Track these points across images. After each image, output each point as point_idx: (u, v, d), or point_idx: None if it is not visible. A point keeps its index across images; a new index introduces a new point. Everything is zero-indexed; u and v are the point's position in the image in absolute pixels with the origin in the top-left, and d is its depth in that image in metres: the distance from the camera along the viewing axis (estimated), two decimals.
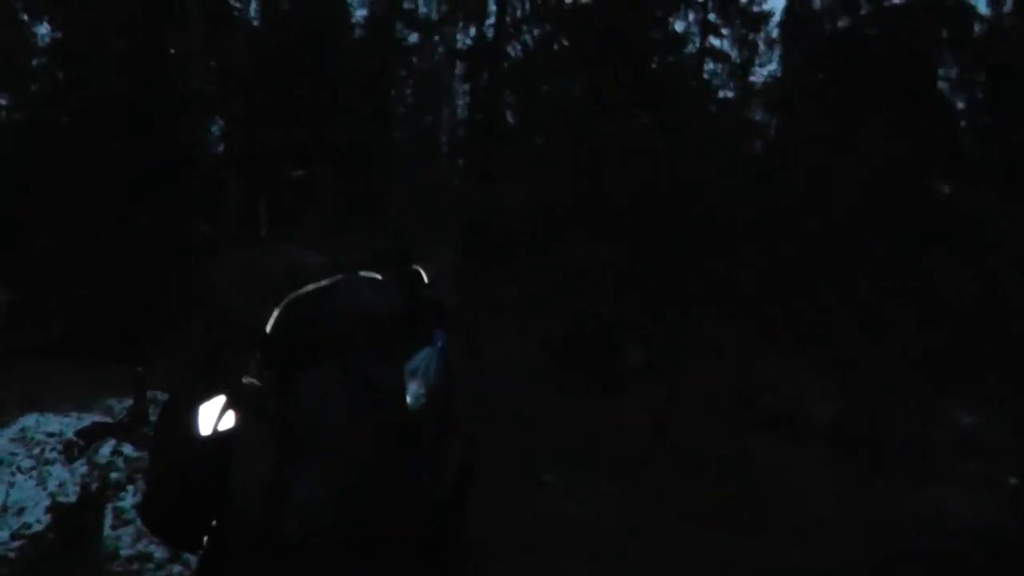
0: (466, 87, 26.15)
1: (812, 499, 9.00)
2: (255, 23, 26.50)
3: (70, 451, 9.73)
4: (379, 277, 1.91)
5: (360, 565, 1.61)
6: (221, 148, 22.03)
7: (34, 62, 22.92)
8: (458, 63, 25.95)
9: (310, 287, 1.80)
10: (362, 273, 1.91)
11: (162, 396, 14.79)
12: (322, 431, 1.65)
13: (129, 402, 12.03)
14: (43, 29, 23.70)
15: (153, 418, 11.45)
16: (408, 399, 1.71)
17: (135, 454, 9.51)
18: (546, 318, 10.82)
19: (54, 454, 9.65)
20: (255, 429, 1.67)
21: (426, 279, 2.07)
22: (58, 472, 9.21)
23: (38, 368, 15.91)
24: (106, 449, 9.70)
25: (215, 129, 23.10)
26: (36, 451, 9.72)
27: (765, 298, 11.40)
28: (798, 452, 10.80)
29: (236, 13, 25.20)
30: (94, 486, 8.71)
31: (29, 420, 10.88)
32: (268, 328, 1.77)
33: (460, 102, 28.32)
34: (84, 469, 9.33)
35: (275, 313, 1.78)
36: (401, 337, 1.78)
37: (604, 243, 12.06)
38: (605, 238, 12.23)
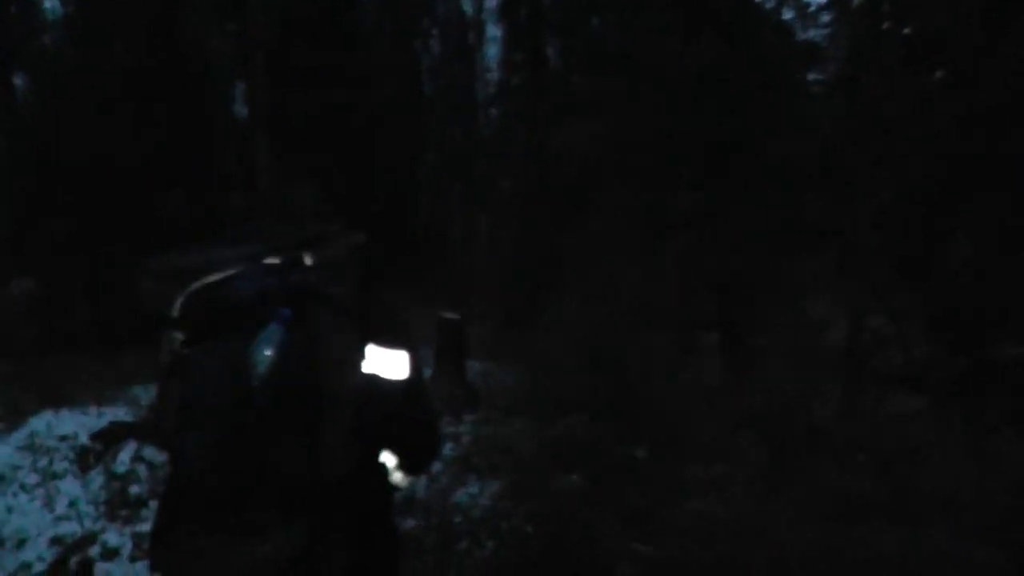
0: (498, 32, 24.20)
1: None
2: None
3: (84, 459, 8.18)
4: (277, 262, 2.08)
5: (240, 511, 1.89)
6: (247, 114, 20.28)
7: (46, 39, 21.52)
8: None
9: (209, 278, 2.05)
10: (265, 261, 2.08)
11: None
12: (198, 399, 1.98)
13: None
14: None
15: None
16: (255, 369, 1.88)
17: (160, 458, 7.95)
18: (640, 277, 8.99)
19: (65, 464, 8.10)
20: (168, 398, 2.08)
21: (308, 262, 2.12)
22: (69, 487, 7.64)
23: (62, 359, 14.50)
24: (125, 454, 8.13)
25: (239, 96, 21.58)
26: (44, 462, 8.18)
27: (885, 244, 9.45)
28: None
29: None
30: (107, 505, 7.13)
31: (41, 422, 9.37)
32: (174, 314, 2.05)
33: (492, 51, 26.36)
34: (100, 480, 7.77)
35: (177, 301, 2.06)
36: (260, 317, 1.93)
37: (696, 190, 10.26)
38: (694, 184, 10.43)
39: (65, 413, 9.97)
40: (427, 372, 10.48)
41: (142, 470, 7.83)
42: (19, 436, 8.94)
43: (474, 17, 26.06)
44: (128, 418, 9.42)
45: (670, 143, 10.66)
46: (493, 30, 26.22)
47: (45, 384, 12.55)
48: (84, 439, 8.62)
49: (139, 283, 2.24)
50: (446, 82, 27.05)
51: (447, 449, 8.73)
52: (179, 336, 2.08)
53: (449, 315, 11.53)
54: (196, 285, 2.08)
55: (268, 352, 1.92)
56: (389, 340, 2.14)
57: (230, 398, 1.97)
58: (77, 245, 15.42)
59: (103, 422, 9.34)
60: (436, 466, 7.96)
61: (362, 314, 2.13)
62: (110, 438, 8.41)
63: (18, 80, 23.21)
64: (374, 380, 2.08)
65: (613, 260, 9.64)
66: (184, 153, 15.89)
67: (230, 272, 2.10)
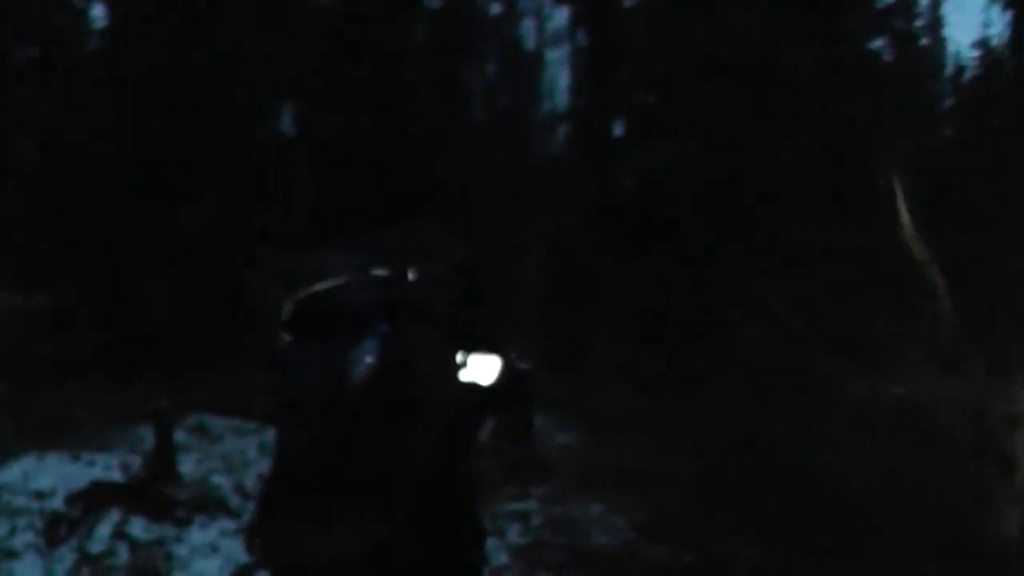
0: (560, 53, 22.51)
1: None
2: None
3: (54, 530, 6.32)
4: (384, 274, 2.11)
5: (331, 500, 1.95)
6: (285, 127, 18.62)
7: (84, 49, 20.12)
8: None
9: (321, 285, 2.08)
10: (373, 272, 2.12)
11: (213, 422, 11.51)
12: (297, 396, 2.05)
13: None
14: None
15: (182, 469, 8.09)
16: (352, 378, 1.95)
17: (145, 535, 6.06)
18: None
19: (28, 536, 6.24)
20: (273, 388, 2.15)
21: (411, 277, 2.12)
22: (29, 571, 5.77)
23: (69, 386, 12.76)
24: (105, 527, 6.26)
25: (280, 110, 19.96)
26: (4, 530, 6.32)
27: None
28: None
29: None
30: None
31: (16, 471, 7.56)
32: (284, 319, 2.09)
33: (551, 72, 24.54)
34: (69, 561, 5.88)
35: (287, 306, 2.10)
36: (362, 327, 2.00)
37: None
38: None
39: (51, 458, 8.18)
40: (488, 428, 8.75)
41: (123, 551, 5.94)
42: None
43: (537, 36, 24.28)
44: (118, 475, 7.55)
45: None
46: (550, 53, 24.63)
47: (41, 416, 10.81)
48: (60, 500, 6.76)
49: (250, 282, 2.46)
50: (501, 107, 25.28)
51: (513, 534, 6.84)
52: (287, 337, 2.11)
53: (514, 360, 9.67)
54: (305, 292, 2.10)
55: (365, 361, 1.96)
56: (482, 348, 2.18)
57: (326, 397, 1.99)
58: (92, 255, 13.72)
59: (92, 474, 7.53)
60: (501, 557, 6.20)
61: (462, 328, 2.15)
62: (90, 503, 6.55)
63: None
64: (471, 387, 2.16)
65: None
66: (216, 164, 14.18)
67: (338, 281, 2.10)
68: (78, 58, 19.71)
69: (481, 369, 2.19)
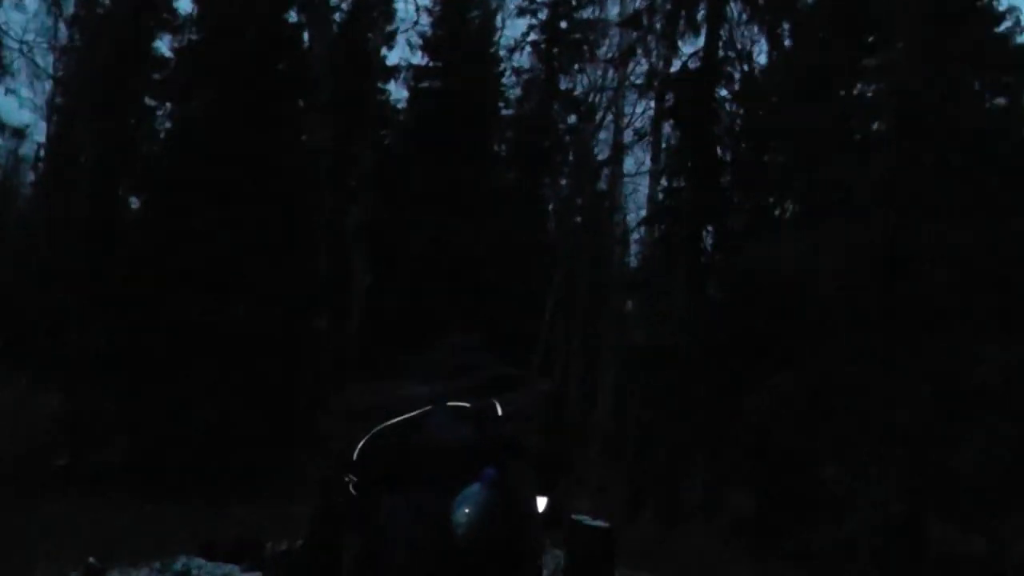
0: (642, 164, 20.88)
1: None
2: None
3: None
4: (467, 406, 1.87)
5: None
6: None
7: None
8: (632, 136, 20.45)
9: (397, 419, 1.86)
10: (450, 404, 1.88)
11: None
12: (390, 551, 1.81)
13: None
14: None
15: None
16: (455, 529, 1.70)
17: None
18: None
19: None
20: (348, 541, 1.95)
21: (500, 412, 1.87)
22: None
23: (87, 504, 10.92)
24: None
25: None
26: None
27: None
28: None
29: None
30: None
31: None
32: (355, 456, 1.86)
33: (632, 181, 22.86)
34: None
35: (361, 443, 1.87)
36: (458, 471, 1.75)
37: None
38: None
39: None
40: None
41: None
42: None
43: (615, 142, 22.67)
44: None
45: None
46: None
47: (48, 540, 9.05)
48: None
49: (322, 423, 1.59)
50: (577, 219, 23.66)
51: None
52: (354, 479, 1.85)
53: (591, 520, 7.71)
54: (382, 427, 1.86)
55: (469, 511, 1.69)
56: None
57: (425, 555, 1.75)
58: (116, 357, 12.07)
59: None
60: None
61: (546, 466, 1.93)
62: None
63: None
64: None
65: None
66: (263, 262, 12.56)
67: (416, 413, 1.86)
68: None
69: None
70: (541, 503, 1.92)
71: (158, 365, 11.84)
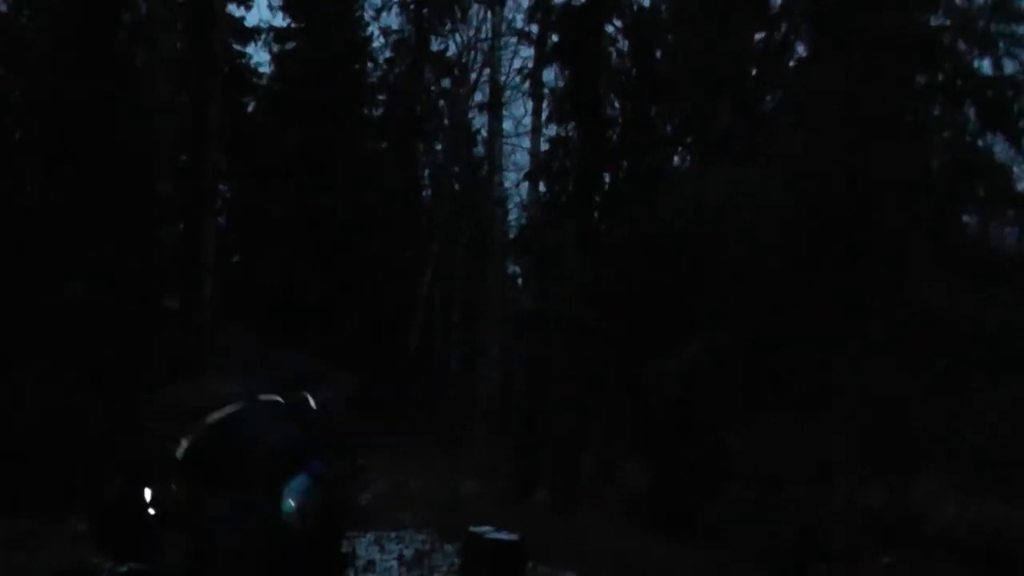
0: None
1: None
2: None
3: None
4: (279, 400, 1.96)
5: None
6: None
7: None
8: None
9: (215, 416, 1.86)
10: (262, 398, 1.95)
11: None
12: (223, 544, 1.80)
13: None
14: None
15: None
16: (285, 521, 1.80)
17: None
18: None
19: None
20: (176, 540, 1.84)
21: (312, 405, 2.02)
22: None
23: None
24: None
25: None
26: None
27: None
28: None
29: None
30: None
31: None
32: (179, 455, 1.84)
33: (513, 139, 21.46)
34: None
35: (185, 444, 1.84)
36: (285, 468, 1.84)
37: None
38: None
39: None
40: None
41: None
42: None
43: (492, 85, 21.22)
44: None
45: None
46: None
47: None
48: None
49: (143, 423, 1.92)
50: (455, 186, 22.22)
51: None
52: (180, 482, 1.83)
53: (494, 532, 6.39)
54: (205, 425, 1.89)
55: (297, 501, 1.80)
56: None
57: (261, 547, 1.81)
58: None
59: None
60: None
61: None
62: None
63: None
64: None
65: None
66: (100, 231, 10.74)
67: (231, 410, 1.92)
68: None
69: None
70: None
71: None
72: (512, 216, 21.52)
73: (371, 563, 7.53)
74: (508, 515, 10.40)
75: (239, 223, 19.35)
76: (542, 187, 12.21)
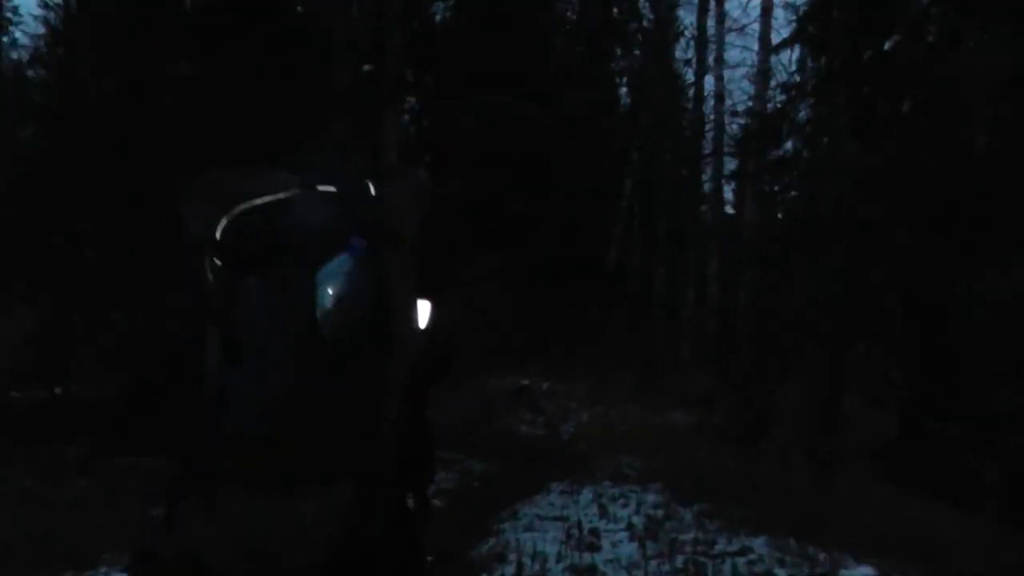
0: None
1: None
2: None
3: None
4: (333, 190, 1.67)
5: (293, 463, 1.54)
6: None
7: None
8: None
9: (263, 199, 1.62)
10: (319, 187, 1.67)
11: None
12: (253, 336, 1.57)
13: None
14: None
15: None
16: (320, 306, 1.54)
17: None
18: None
19: None
20: (209, 331, 1.62)
21: (373, 192, 1.70)
22: None
23: None
24: None
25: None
26: None
27: None
28: None
29: None
30: None
31: None
32: (217, 236, 1.61)
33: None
34: None
35: (223, 222, 1.61)
36: (325, 248, 1.58)
37: None
38: None
39: None
40: None
41: None
42: None
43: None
44: None
45: None
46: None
47: None
48: None
49: (181, 208, 1.68)
50: (652, 85, 19.72)
51: None
52: (219, 263, 1.59)
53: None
54: (245, 206, 1.62)
55: (336, 285, 1.55)
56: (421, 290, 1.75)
57: (289, 337, 1.55)
58: None
59: None
60: None
61: (422, 260, 1.74)
62: None
63: None
64: (424, 332, 1.74)
65: None
66: (266, 126, 9.23)
67: (284, 195, 1.64)
68: None
69: (419, 312, 1.78)
70: (423, 310, 1.73)
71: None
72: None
73: (594, 532, 5.72)
74: (737, 466, 8.38)
75: (428, 134, 17.88)
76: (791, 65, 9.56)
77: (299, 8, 10.97)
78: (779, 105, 9.28)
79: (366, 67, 13.33)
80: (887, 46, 7.30)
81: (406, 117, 14.98)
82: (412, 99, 17.40)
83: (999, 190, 6.22)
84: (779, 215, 10.64)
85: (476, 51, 16.71)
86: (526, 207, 16.05)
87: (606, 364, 14.86)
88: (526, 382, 13.35)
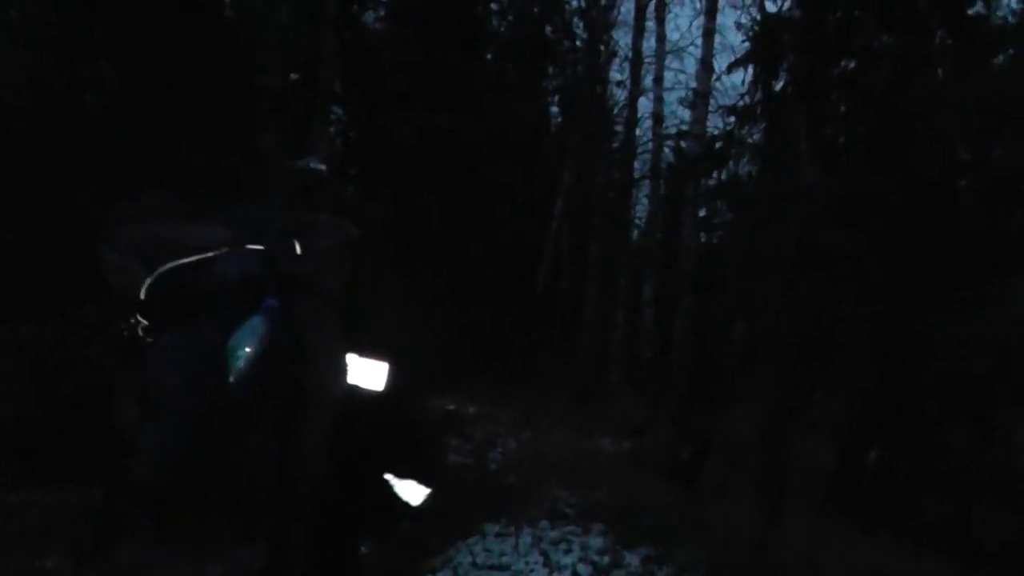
0: None
1: None
2: None
3: None
4: (260, 249, 1.66)
5: (202, 521, 1.53)
6: None
7: None
8: None
9: (192, 258, 1.62)
10: (248, 247, 1.67)
11: None
12: (163, 390, 1.56)
13: None
14: None
15: None
16: (231, 364, 1.51)
17: None
18: None
19: None
20: (127, 383, 1.62)
21: (298, 251, 1.70)
22: None
23: None
24: None
25: None
26: None
27: None
28: None
29: None
30: None
31: None
32: (141, 295, 1.61)
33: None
34: None
35: (147, 282, 1.61)
36: (241, 304, 1.57)
37: None
38: None
39: None
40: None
41: None
42: None
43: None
44: None
45: None
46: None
47: None
48: None
49: (103, 255, 1.67)
50: (584, 104, 19.46)
51: None
52: (143, 321, 1.59)
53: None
54: (168, 266, 1.63)
55: (248, 345, 1.53)
56: (369, 349, 1.77)
57: (199, 391, 1.55)
58: None
59: None
60: None
61: (348, 315, 1.73)
62: None
63: None
64: (354, 389, 1.76)
65: None
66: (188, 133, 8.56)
67: (208, 255, 1.65)
68: None
69: (368, 372, 1.79)
70: (379, 372, 1.74)
71: None
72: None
73: None
74: (678, 501, 8.00)
75: (356, 147, 17.27)
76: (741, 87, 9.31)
77: (227, 12, 10.33)
78: (726, 128, 9.05)
79: (293, 76, 12.76)
80: (844, 69, 7.12)
81: (332, 129, 14.34)
82: (339, 111, 16.85)
83: (965, 225, 6.05)
84: (716, 241, 10.46)
85: (408, 64, 16.25)
86: (456, 225, 15.60)
87: (536, 388, 14.46)
88: (452, 407, 12.82)
